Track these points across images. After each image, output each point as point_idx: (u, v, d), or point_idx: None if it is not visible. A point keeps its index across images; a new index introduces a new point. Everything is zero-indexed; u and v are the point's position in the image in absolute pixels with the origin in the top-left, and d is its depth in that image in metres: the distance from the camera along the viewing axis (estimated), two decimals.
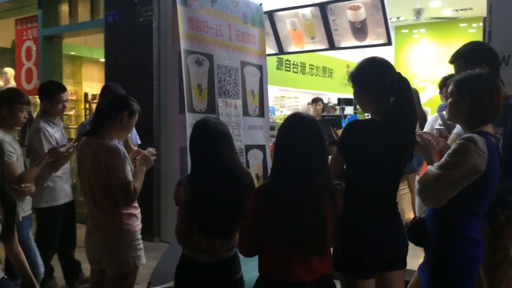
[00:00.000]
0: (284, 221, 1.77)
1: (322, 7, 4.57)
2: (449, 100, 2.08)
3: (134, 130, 3.72)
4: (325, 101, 8.04)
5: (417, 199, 3.78)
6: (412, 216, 4.53)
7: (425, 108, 5.74)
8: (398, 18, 9.06)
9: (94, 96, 7.27)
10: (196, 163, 2.18)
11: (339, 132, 3.16)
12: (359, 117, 6.13)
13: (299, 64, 8.04)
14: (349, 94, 6.25)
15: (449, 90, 2.08)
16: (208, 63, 3.26)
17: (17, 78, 6.97)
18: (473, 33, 8.51)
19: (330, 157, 2.07)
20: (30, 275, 2.18)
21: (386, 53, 7.01)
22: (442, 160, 1.97)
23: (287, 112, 7.25)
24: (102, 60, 5.92)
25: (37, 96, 3.61)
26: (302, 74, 8.21)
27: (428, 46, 9.62)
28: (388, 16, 4.39)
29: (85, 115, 7.47)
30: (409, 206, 4.79)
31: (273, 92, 7.22)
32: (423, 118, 4.50)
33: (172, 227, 2.23)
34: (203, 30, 3.24)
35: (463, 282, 1.99)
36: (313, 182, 1.80)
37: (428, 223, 2.10)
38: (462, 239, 1.99)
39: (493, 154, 1.94)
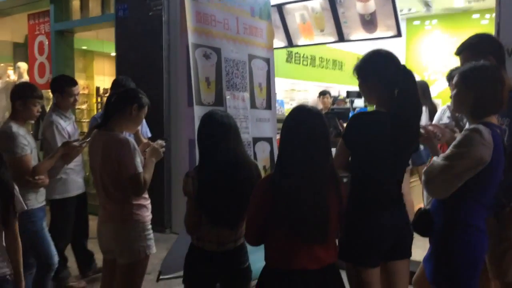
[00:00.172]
0: (288, 209, 1.80)
1: None
2: (454, 92, 2.09)
3: (144, 123, 3.78)
4: (336, 94, 8.02)
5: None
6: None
7: (436, 100, 5.70)
8: (409, 10, 8.95)
9: (105, 90, 7.31)
10: (204, 155, 2.22)
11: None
12: (369, 109, 6.11)
13: (309, 57, 8.02)
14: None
15: (453, 81, 2.09)
16: (215, 56, 3.29)
17: (30, 72, 7.05)
18: (486, 25, 8.38)
19: (334, 149, 2.10)
20: (19, 268, 2.16)
21: (397, 45, 6.95)
22: (448, 151, 1.98)
23: None
24: (113, 54, 5.98)
25: (50, 90, 3.68)
26: (312, 66, 8.19)
27: (440, 37, 9.48)
28: (399, 8, 4.36)
29: (97, 108, 7.55)
30: (419, 198, 4.78)
31: (282, 85, 7.21)
32: (433, 111, 4.48)
33: (183, 218, 2.27)
34: (210, 23, 3.26)
35: (468, 271, 2.01)
36: (316, 173, 1.83)
37: (433, 213, 2.12)
38: (467, 229, 2.01)
39: (498, 144, 1.95)
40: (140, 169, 2.43)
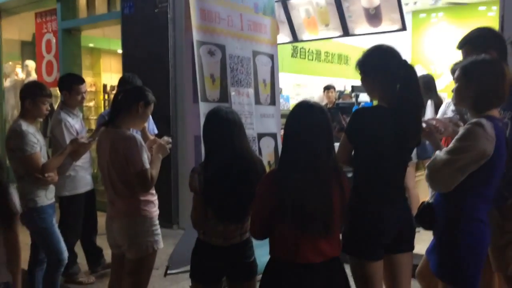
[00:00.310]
0: (292, 203, 1.83)
1: None
2: (456, 85, 2.10)
3: (151, 120, 3.82)
4: (341, 88, 8.00)
5: None
6: None
7: (442, 94, 5.67)
8: (415, 3, 8.90)
9: (112, 87, 7.36)
10: (209, 151, 2.25)
11: None
12: (374, 104, 6.10)
13: (314, 51, 8.02)
14: None
15: (455, 75, 2.10)
16: (220, 53, 3.31)
17: (38, 70, 7.10)
18: (493, 17, 8.31)
19: (337, 144, 2.12)
20: (17, 273, 2.03)
21: (403, 38, 6.92)
22: (450, 145, 2.00)
23: None
24: (120, 51, 6.01)
25: (58, 88, 3.72)
26: (318, 61, 8.18)
27: (446, 30, 9.40)
28: (405, 1, 4.35)
29: (104, 105, 7.60)
30: (425, 192, 4.79)
31: (288, 80, 7.22)
32: (439, 104, 4.46)
33: (189, 214, 2.29)
34: (214, 21, 3.29)
35: (471, 263, 2.02)
36: (319, 167, 1.86)
37: (436, 206, 2.13)
38: (470, 221, 2.02)
39: (500, 138, 1.96)
40: (147, 165, 2.47)
